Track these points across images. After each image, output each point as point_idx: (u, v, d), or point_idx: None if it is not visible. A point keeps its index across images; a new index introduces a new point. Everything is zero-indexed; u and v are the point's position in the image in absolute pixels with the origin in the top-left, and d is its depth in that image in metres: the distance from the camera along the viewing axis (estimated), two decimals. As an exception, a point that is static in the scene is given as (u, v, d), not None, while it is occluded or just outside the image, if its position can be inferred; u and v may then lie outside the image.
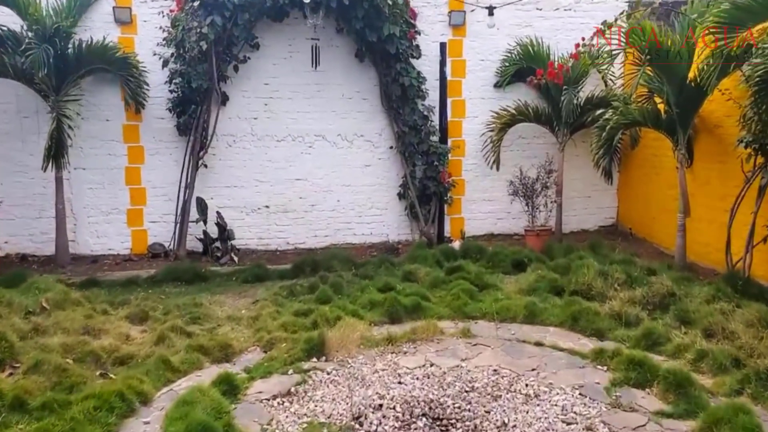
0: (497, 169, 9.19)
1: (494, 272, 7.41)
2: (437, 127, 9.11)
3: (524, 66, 9.29)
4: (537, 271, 6.99)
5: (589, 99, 8.81)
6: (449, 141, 9.28)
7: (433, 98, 9.13)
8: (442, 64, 9.12)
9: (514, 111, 9.05)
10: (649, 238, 9.08)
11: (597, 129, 7.86)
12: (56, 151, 7.49)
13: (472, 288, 6.48)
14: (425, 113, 8.97)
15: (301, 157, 9.20)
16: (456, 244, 8.99)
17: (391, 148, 9.32)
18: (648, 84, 7.69)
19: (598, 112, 8.83)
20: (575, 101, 8.58)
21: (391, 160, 9.40)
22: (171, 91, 8.48)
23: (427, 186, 9.02)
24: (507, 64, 9.34)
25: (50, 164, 7.67)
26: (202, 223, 8.66)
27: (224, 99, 8.81)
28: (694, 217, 7.43)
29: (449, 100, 9.27)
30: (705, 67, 5.78)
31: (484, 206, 9.72)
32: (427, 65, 9.14)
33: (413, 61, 8.94)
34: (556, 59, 8.88)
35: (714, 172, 7.48)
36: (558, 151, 9.22)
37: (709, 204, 7.48)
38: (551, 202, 8.96)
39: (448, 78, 9.21)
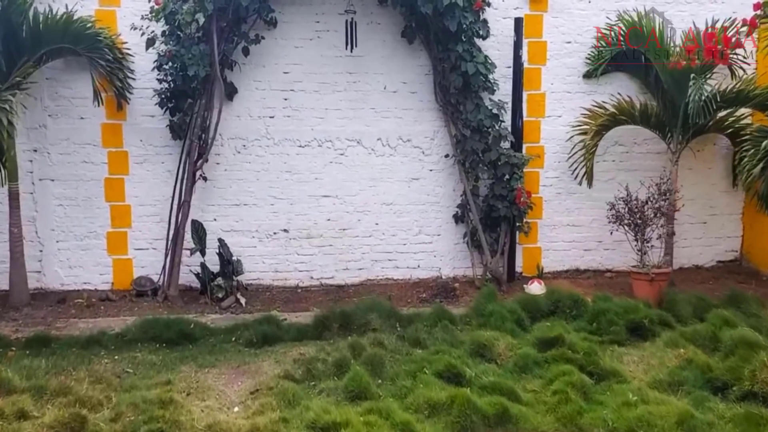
0: (589, 185, 6.90)
1: (603, 342, 5.15)
2: (509, 129, 6.87)
3: (625, 49, 6.98)
4: (674, 346, 4.74)
5: (721, 93, 6.43)
6: (524, 147, 7.03)
7: (502, 92, 6.91)
8: (517, 46, 6.88)
9: (614, 109, 6.74)
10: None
11: (750, 137, 5.48)
12: (-9, 161, 5.52)
13: (583, 379, 4.25)
14: (495, 111, 6.74)
15: (330, 168, 7.09)
16: (535, 288, 6.76)
17: (447, 156, 7.13)
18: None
19: (724, 112, 6.55)
20: (704, 96, 6.22)
21: (446, 173, 7.20)
22: (160, 81, 6.46)
23: (495, 207, 6.80)
24: (602, 47, 7.04)
25: (-12, 178, 5.71)
26: (199, 253, 6.62)
27: (230, 91, 6.76)
28: None
29: (524, 94, 7.03)
30: None
31: (566, 233, 7.44)
32: (494, 49, 6.93)
33: (478, 42, 6.73)
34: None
35: None
36: (670, 164, 6.89)
37: None
38: (663, 232, 6.61)
39: (525, 65, 6.97)
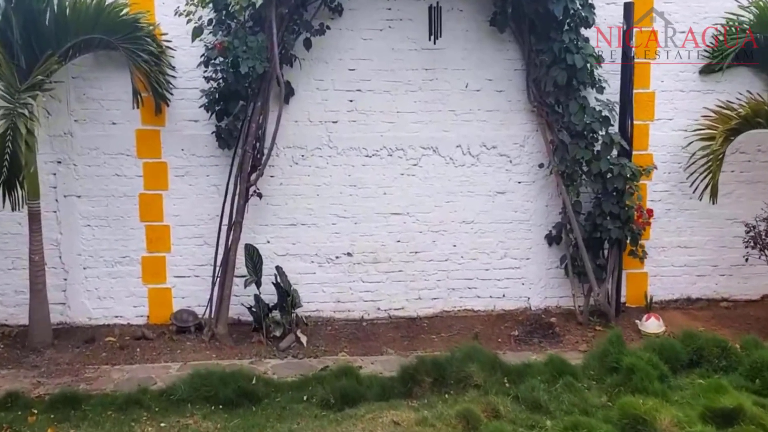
0: (713, 200, 5.77)
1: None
2: (619, 134, 5.76)
3: (755, 38, 5.87)
4: None
5: None
6: (632, 156, 5.92)
7: (609, 90, 5.80)
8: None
9: (748, 110, 5.61)
10: None
11: None
12: (8, 176, 4.47)
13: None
14: (605, 113, 5.64)
15: (401, 181, 6.02)
16: (652, 325, 5.68)
17: (541, 166, 6.04)
18: None
19: None
20: None
21: (538, 186, 6.11)
22: (207, 79, 5.43)
23: (603, 227, 5.69)
24: (729, 37, 5.92)
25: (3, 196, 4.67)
26: (254, 284, 5.57)
27: (287, 92, 5.72)
28: None
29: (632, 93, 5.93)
30: None
31: (677, 256, 6.32)
32: (594, 39, 5.82)
33: (583, 32, 5.65)
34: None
35: None
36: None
37: None
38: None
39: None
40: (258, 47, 5.11)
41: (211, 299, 5.69)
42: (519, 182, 6.11)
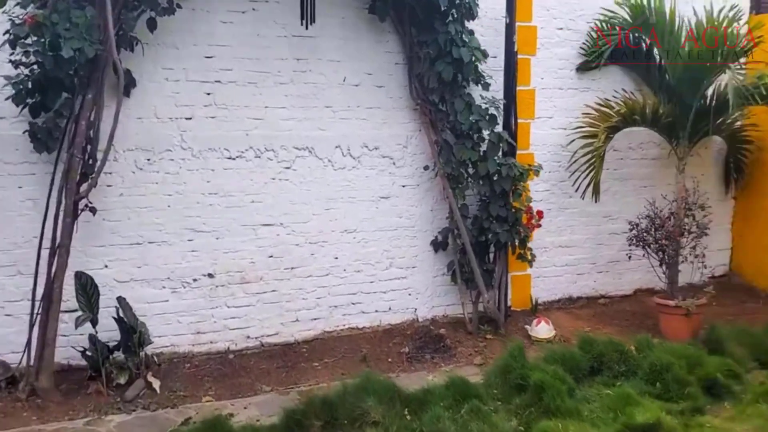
0: (596, 198, 5.70)
1: (683, 412, 3.92)
2: (506, 133, 5.44)
3: (632, 38, 5.90)
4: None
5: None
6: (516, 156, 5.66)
7: (494, 87, 5.48)
8: (510, 30, 5.48)
9: (626, 109, 5.59)
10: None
11: None
12: None
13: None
14: (492, 111, 5.29)
15: (273, 187, 5.22)
16: (543, 330, 5.45)
17: (427, 168, 5.57)
18: None
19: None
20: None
21: (423, 189, 5.65)
22: (16, 64, 4.18)
23: (490, 230, 5.35)
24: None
25: None
26: (89, 322, 4.44)
27: (129, 82, 4.63)
28: None
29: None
30: None
31: (559, 256, 6.23)
32: (477, 33, 5.44)
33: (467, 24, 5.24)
34: (680, 26, 5.57)
35: None
36: (676, 172, 5.91)
37: None
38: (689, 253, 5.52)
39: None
40: (86, 24, 4.00)
41: (29, 344, 4.44)
42: (403, 186, 5.59)
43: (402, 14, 5.19)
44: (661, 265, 5.40)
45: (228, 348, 5.21)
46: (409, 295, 5.73)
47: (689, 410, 3.95)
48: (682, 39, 5.53)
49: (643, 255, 5.43)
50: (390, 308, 5.68)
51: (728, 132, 6.16)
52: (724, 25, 5.27)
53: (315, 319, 5.45)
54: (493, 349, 5.24)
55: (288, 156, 5.21)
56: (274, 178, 5.21)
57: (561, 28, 5.92)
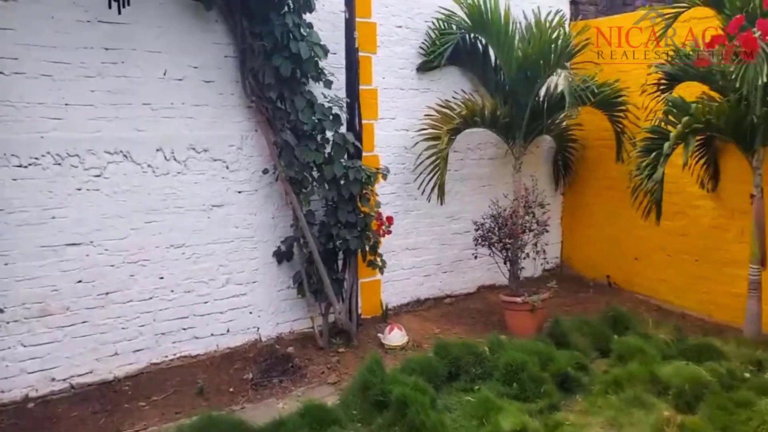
0: (441, 201, 5.63)
1: (542, 410, 3.90)
2: (353, 135, 5.12)
3: (469, 39, 5.92)
4: (630, 402, 3.75)
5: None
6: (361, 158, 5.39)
7: (337, 85, 5.14)
8: (350, 25, 5.17)
9: (466, 111, 5.56)
10: (629, 287, 6.50)
11: (644, 144, 4.79)
12: None
13: None
14: (335, 110, 4.94)
15: (80, 199, 4.38)
16: (396, 337, 5.25)
17: (266, 172, 5.07)
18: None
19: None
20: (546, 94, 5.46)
21: (262, 195, 5.14)
22: None
23: (338, 237, 5.02)
24: (441, 35, 5.82)
25: None
26: None
27: None
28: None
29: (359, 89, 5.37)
30: None
31: (406, 258, 6.09)
32: (315, 28, 5.07)
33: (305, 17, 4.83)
34: (513, 28, 5.69)
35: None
36: (513, 171, 6.06)
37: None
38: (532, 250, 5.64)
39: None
40: None
41: None
42: (239, 192, 5.03)
43: (232, 2, 4.63)
44: (505, 262, 5.47)
45: (27, 395, 4.29)
46: (251, 313, 5.20)
47: (547, 408, 3.95)
48: (516, 40, 5.64)
49: (489, 254, 5.46)
50: (228, 330, 5.10)
51: (557, 131, 6.47)
52: (551, 28, 5.46)
53: (138, 350, 4.71)
54: (347, 364, 4.92)
55: (97, 162, 4.40)
56: (80, 189, 4.37)
57: (400, 26, 5.75)
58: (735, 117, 4.35)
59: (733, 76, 4.10)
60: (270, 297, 5.26)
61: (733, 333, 5.19)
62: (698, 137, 4.85)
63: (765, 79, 3.86)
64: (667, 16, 4.76)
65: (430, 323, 5.81)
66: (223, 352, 5.06)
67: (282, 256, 5.21)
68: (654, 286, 6.19)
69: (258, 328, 5.25)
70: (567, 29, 5.68)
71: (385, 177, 5.13)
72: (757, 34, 3.93)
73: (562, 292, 6.59)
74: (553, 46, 5.40)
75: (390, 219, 5.11)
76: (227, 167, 4.95)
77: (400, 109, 5.81)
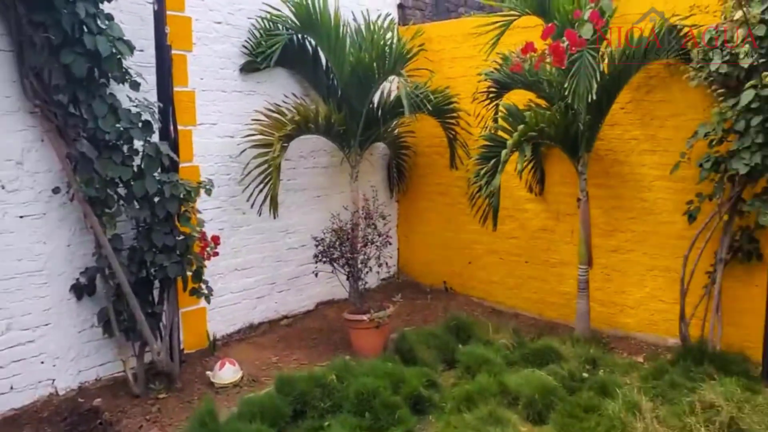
0: (275, 214, 5.12)
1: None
2: (165, 144, 4.39)
3: (297, 40, 5.48)
4: (484, 419, 3.60)
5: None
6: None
7: (145, 87, 4.37)
8: (159, 19, 4.44)
9: (300, 116, 5.10)
10: (465, 290, 6.57)
11: (481, 152, 4.73)
12: None
13: None
14: (144, 116, 4.17)
15: None
16: (228, 373, 4.65)
17: (57, 191, 4.15)
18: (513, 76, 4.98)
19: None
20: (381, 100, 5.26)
21: (55, 219, 4.21)
22: None
23: (154, 263, 4.27)
24: (267, 35, 5.30)
25: None
26: None
27: None
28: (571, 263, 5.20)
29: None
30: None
31: (235, 281, 5.48)
32: (117, 20, 4.26)
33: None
34: (344, 31, 5.40)
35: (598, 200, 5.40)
36: (350, 180, 5.77)
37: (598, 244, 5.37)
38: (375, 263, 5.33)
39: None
40: None
41: None
42: (21, 217, 4.06)
43: (0, -20, 3.69)
44: (348, 278, 5.14)
45: None
46: (43, 363, 4.23)
47: (397, 438, 3.66)
48: (348, 44, 5.34)
49: (332, 271, 5.08)
50: (12, 387, 4.09)
51: (390, 138, 6.31)
52: (383, 31, 5.26)
53: None
54: (171, 412, 4.22)
55: None
56: None
57: (219, 22, 5.13)
58: (563, 125, 4.47)
59: (566, 92, 4.18)
60: (68, 341, 4.34)
61: (565, 330, 5.43)
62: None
63: (594, 96, 3.98)
64: (498, 24, 4.78)
65: (266, 351, 5.28)
66: (6, 414, 4.05)
67: (82, 290, 4.32)
68: (488, 288, 6.30)
69: (53, 380, 4.29)
70: (398, 34, 5.51)
71: (209, 192, 4.49)
72: (565, 44, 4.04)
73: (401, 301, 6.48)
74: (387, 50, 5.18)
75: (216, 239, 4.48)
76: (3, 187, 3.96)
77: (222, 113, 5.19)
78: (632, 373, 4.39)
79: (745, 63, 3.81)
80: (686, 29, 4.33)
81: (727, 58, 3.92)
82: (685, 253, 4.51)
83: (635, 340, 5.20)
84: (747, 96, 3.78)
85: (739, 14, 3.73)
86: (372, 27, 5.28)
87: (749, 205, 4.12)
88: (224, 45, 5.18)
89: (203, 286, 4.59)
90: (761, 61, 3.77)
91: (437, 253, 6.72)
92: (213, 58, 5.11)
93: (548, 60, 4.02)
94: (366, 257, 5.04)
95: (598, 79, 4.00)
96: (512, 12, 4.66)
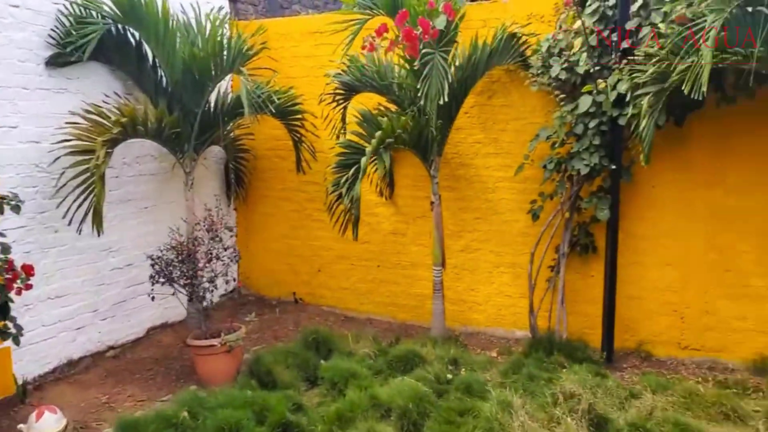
0: (99, 231, 4.37)
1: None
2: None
3: (118, 31, 4.76)
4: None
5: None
6: (-31, 184, 3.77)
7: None
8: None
9: (127, 118, 4.39)
10: (315, 300, 6.30)
11: (338, 159, 4.48)
12: None
13: None
14: None
15: None
16: (48, 424, 3.82)
17: None
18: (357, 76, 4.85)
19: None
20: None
21: None
22: None
23: (-59, 308, 3.38)
24: (79, 24, 4.51)
25: None
26: None
27: None
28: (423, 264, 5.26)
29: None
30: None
31: (48, 311, 4.60)
32: None
33: None
34: (174, 24, 4.83)
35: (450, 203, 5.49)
36: (185, 188, 5.20)
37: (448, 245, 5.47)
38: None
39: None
40: None
41: None
42: None
43: None
44: (191, 299, 4.58)
45: None
46: None
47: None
48: (178, 38, 4.77)
49: (173, 293, 4.48)
50: None
51: (227, 141, 5.82)
52: (219, 25, 4.79)
53: None
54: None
55: None
56: None
57: (17, 6, 4.24)
58: (417, 130, 4.44)
59: (419, 95, 4.12)
60: None
61: (419, 331, 5.45)
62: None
63: (446, 99, 3.98)
64: (352, 23, 4.59)
65: (92, 389, 4.53)
66: None
67: None
68: (339, 295, 6.12)
69: None
70: (239, 29, 5.06)
71: (16, 209, 3.65)
72: (418, 31, 4.02)
73: (255, 319, 6.04)
74: (227, 46, 4.72)
75: (29, 268, 3.65)
76: None
77: (25, 114, 4.31)
78: (491, 370, 4.50)
79: (581, 70, 4.10)
80: (525, 37, 4.56)
81: (565, 65, 4.18)
82: (532, 250, 4.76)
83: (485, 335, 5.39)
84: (585, 102, 4.06)
85: (577, 24, 3.99)
86: (206, 19, 4.78)
87: (587, 202, 4.46)
88: (24, 33, 4.30)
89: (10, 325, 3.73)
90: (596, 68, 4.08)
91: (284, 262, 6.36)
92: (10, 49, 4.21)
93: (402, 46, 3.93)
94: (214, 274, 4.53)
95: (450, 80, 4.01)
96: (366, 11, 4.50)
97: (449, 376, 4.32)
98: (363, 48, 4.22)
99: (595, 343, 4.73)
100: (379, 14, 4.47)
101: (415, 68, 4.13)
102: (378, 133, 4.16)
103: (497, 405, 3.59)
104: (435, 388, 4.08)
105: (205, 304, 4.64)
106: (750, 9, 3.26)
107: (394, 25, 4.29)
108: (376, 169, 4.51)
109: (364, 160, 4.10)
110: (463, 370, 4.48)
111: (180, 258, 4.38)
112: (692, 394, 3.78)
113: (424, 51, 4.02)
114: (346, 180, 4.16)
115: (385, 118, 4.27)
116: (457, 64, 4.40)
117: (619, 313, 4.64)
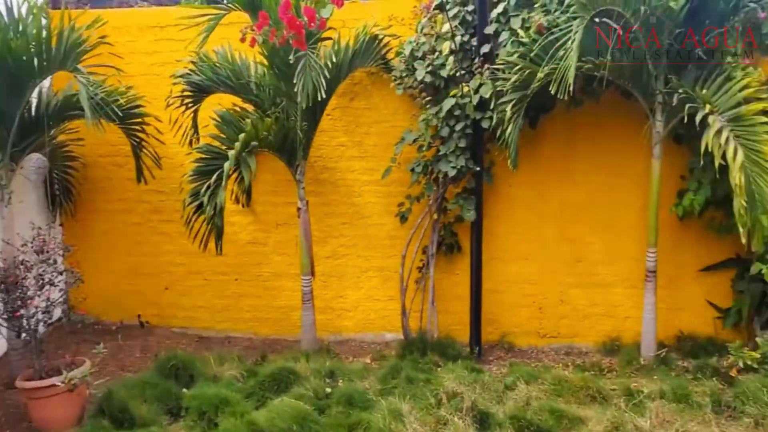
0: None
1: None
2: None
3: None
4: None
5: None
6: None
7: None
8: None
9: None
10: (165, 322, 5.71)
11: (196, 166, 4.03)
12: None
13: None
14: None
15: None
16: None
17: None
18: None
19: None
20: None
21: None
22: None
23: None
24: None
25: None
26: None
27: None
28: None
29: None
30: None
31: None
32: None
33: None
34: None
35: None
36: (1, 203, 4.40)
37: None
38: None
39: None
40: None
41: None
42: None
43: None
44: (19, 335, 3.85)
45: None
46: None
47: None
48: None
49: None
50: None
51: (51, 148, 5.03)
52: (36, 11, 4.10)
53: None
54: None
55: None
56: None
57: None
58: (282, 132, 4.18)
59: (295, 90, 3.85)
60: None
61: (286, 344, 5.20)
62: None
63: (324, 95, 3.78)
64: (208, 17, 4.16)
65: None
66: None
67: None
68: (192, 315, 5.61)
69: None
70: (73, 19, 4.36)
71: None
72: (304, 20, 3.80)
73: (83, 348, 5.28)
74: (57, 39, 4.05)
75: None
76: None
77: None
78: (369, 377, 4.40)
79: (446, 73, 4.16)
80: (386, 39, 4.53)
81: (429, 68, 4.22)
82: (403, 252, 4.75)
83: (355, 341, 5.29)
84: (448, 103, 4.13)
85: (446, 27, 4.04)
86: (31, 8, 4.05)
87: (453, 203, 4.55)
88: None
89: None
90: (460, 72, 4.17)
91: (125, 282, 5.67)
92: None
93: (289, 37, 3.67)
94: (50, 303, 3.85)
95: (327, 75, 3.83)
96: (221, 6, 4.12)
97: (328, 389, 4.14)
98: (242, 41, 3.86)
99: (463, 339, 4.86)
100: (236, 9, 4.13)
101: (290, 62, 3.85)
102: (241, 136, 3.85)
103: (388, 414, 3.49)
104: (316, 404, 3.89)
105: (38, 337, 3.93)
106: (597, 20, 3.55)
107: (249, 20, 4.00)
108: (241, 176, 4.17)
109: (227, 165, 3.76)
110: (341, 381, 4.33)
111: (6, 288, 3.66)
112: (561, 380, 4.02)
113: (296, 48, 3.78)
114: (208, 188, 3.78)
115: (248, 121, 3.96)
116: (322, 63, 4.23)
117: (482, 307, 4.82)
